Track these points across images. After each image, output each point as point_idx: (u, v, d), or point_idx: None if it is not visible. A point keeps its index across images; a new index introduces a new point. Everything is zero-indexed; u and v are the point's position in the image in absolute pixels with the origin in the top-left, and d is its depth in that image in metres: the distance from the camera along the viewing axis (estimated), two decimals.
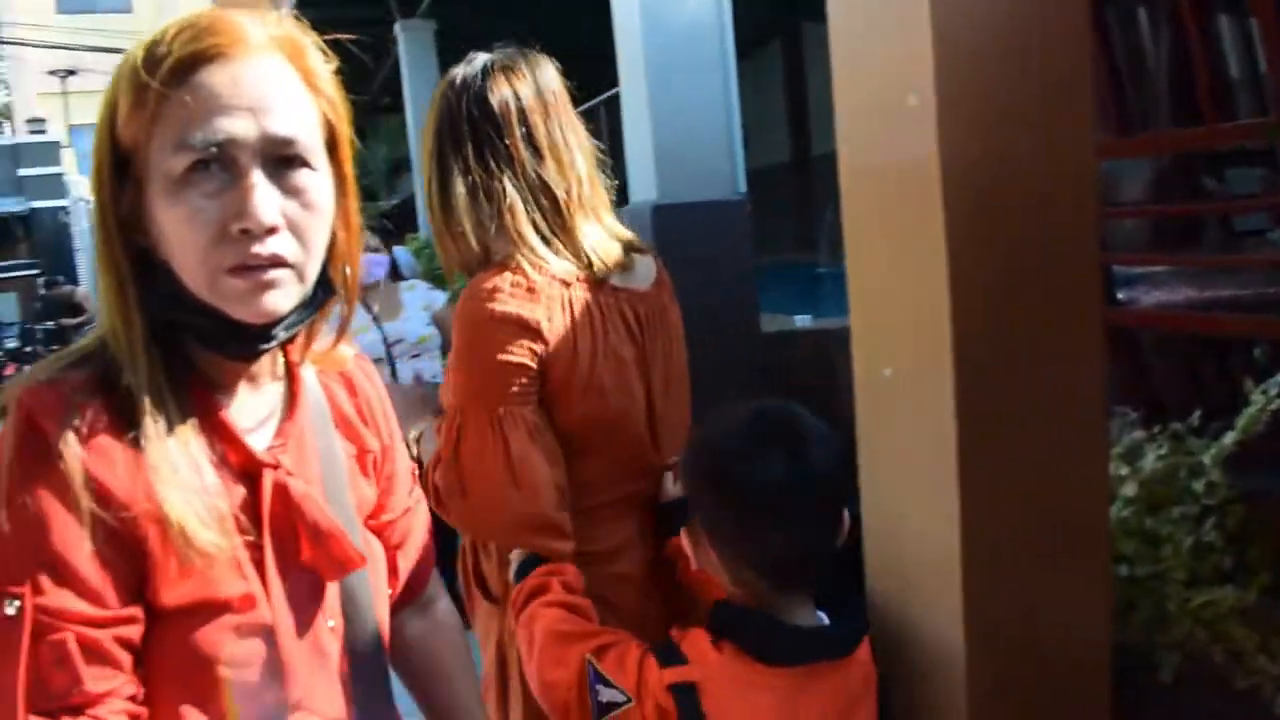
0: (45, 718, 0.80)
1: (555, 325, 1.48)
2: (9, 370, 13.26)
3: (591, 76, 4.76)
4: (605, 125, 5.32)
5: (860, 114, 1.44)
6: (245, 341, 0.92)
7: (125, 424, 0.87)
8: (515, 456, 1.46)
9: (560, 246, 1.54)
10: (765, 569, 1.26)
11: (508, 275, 1.49)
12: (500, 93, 1.55)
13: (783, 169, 10.61)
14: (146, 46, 0.87)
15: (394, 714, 1.09)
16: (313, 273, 0.92)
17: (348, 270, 0.99)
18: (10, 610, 0.81)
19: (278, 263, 0.87)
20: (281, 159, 0.88)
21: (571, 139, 1.58)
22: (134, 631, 0.86)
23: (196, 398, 0.92)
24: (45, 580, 0.82)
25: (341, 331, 1.05)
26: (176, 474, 0.86)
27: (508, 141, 1.53)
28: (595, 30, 4.59)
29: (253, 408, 0.97)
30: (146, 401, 0.87)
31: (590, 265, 1.54)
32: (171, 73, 0.85)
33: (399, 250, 6.86)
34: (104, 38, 22.50)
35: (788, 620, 1.26)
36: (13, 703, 0.80)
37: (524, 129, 1.54)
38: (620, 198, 4.76)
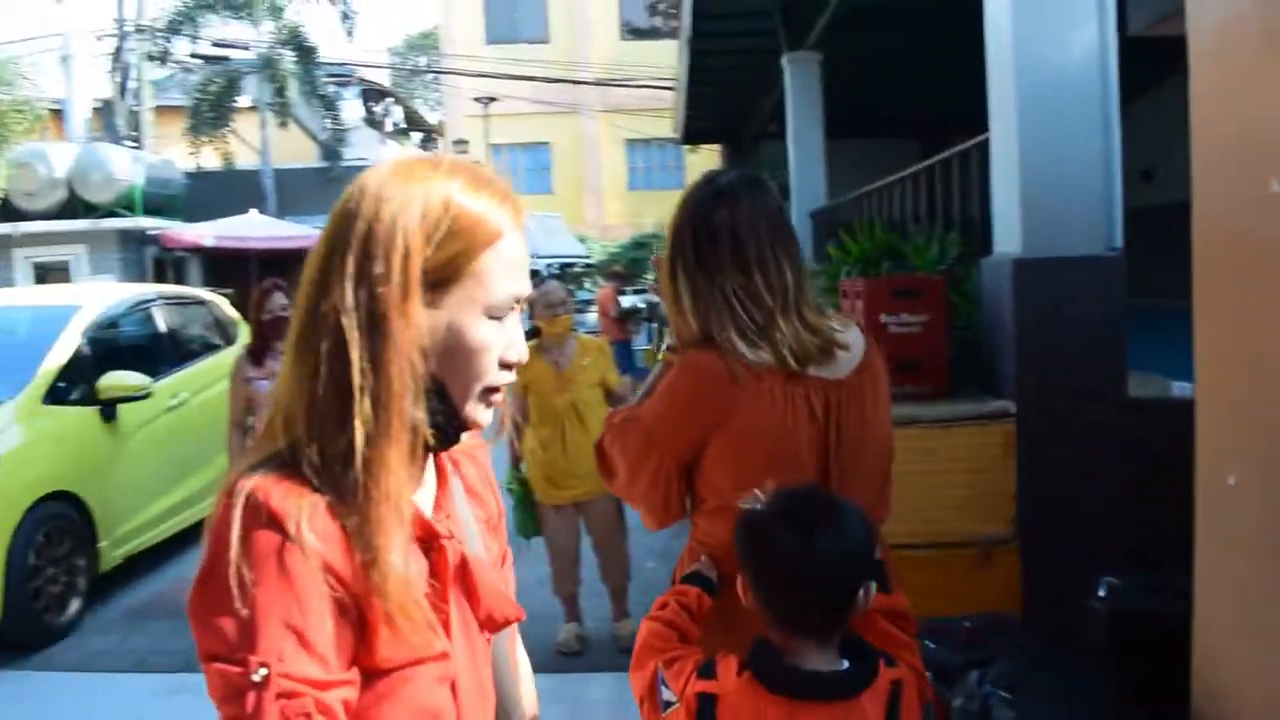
0: None
1: (743, 406, 1.87)
2: None
3: (976, 110, 4.66)
4: (976, 168, 5.17)
5: (1220, 195, 1.37)
6: (448, 443, 1.15)
7: (339, 512, 1.03)
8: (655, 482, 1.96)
9: (758, 344, 1.88)
10: (780, 621, 1.60)
11: (718, 360, 1.88)
12: (720, 218, 1.91)
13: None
14: (445, 202, 1.10)
15: None
16: None
17: None
18: (257, 678, 0.95)
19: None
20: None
21: (781, 256, 1.93)
22: (353, 694, 1.02)
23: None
24: (288, 649, 0.97)
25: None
26: (399, 549, 1.03)
27: (722, 260, 1.90)
28: (982, 61, 4.47)
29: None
30: (392, 492, 1.04)
31: (783, 361, 1.87)
32: (494, 235, 1.11)
33: None
34: (521, 67, 24.70)
35: (801, 662, 1.58)
36: None
37: (737, 251, 1.90)
38: (983, 247, 4.62)
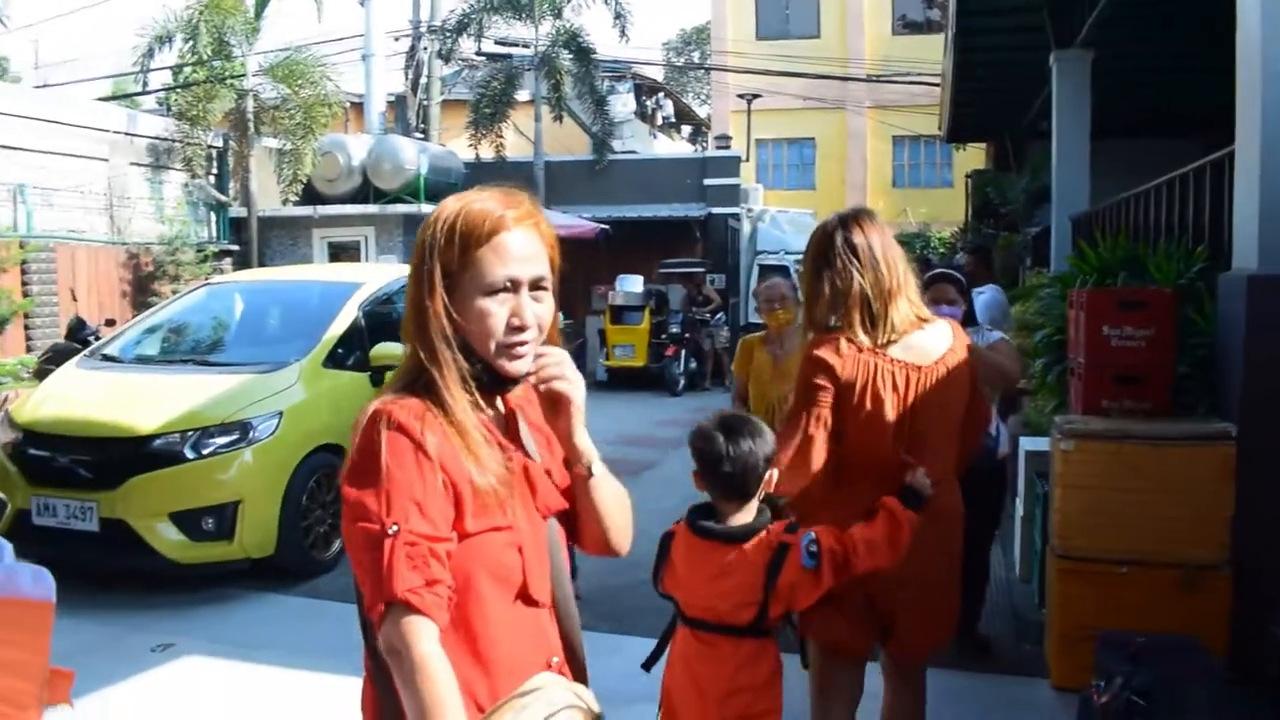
0: (412, 593, 1.46)
1: (846, 373, 2.72)
2: (669, 351, 15.45)
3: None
4: (1227, 180, 4.94)
5: None
6: (502, 385, 1.68)
7: (447, 424, 1.57)
8: (806, 437, 2.73)
9: (870, 328, 2.76)
10: (713, 491, 2.69)
11: (833, 341, 2.76)
12: (850, 235, 2.81)
13: None
14: (463, 217, 1.63)
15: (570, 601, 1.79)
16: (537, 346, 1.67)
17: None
18: (391, 531, 1.47)
19: (524, 344, 1.64)
20: (535, 286, 1.65)
21: (893, 256, 2.80)
22: (453, 548, 1.54)
23: (474, 411, 1.63)
24: (412, 515, 1.49)
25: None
26: (479, 453, 1.58)
27: (853, 264, 2.77)
28: None
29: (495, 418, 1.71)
30: (460, 412, 1.59)
31: (882, 344, 2.76)
32: (487, 235, 1.61)
33: (991, 291, 6.94)
34: (790, 62, 24.79)
35: (721, 519, 2.68)
36: (388, 580, 1.45)
37: (856, 256, 2.77)
38: (1226, 261, 4.45)
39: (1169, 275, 4.83)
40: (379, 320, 7.17)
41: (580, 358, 16.06)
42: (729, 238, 18.95)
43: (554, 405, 1.70)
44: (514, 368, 1.64)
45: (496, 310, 1.61)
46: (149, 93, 23.18)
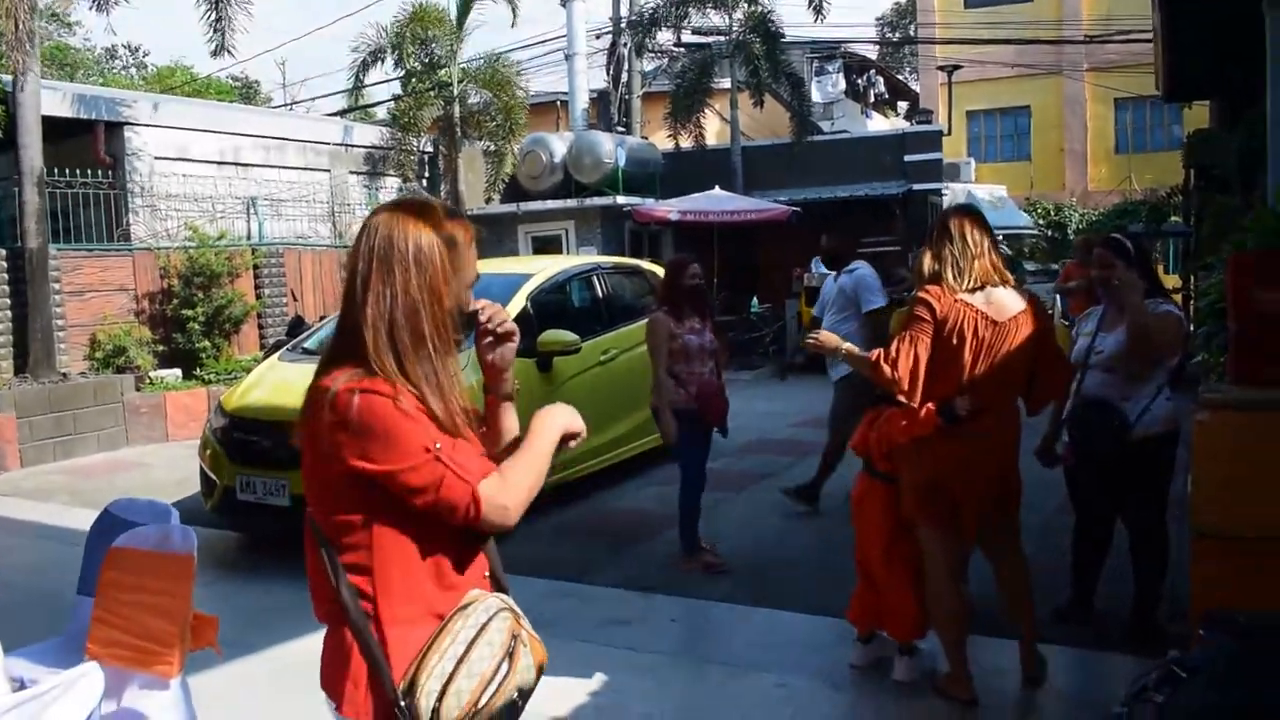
0: (484, 474, 1.88)
1: (942, 311, 3.70)
2: None
3: None
4: None
5: None
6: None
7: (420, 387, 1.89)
8: (909, 354, 3.69)
9: (961, 284, 3.75)
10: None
11: (933, 288, 3.78)
12: (951, 219, 3.88)
13: None
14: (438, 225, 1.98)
15: None
16: None
17: None
18: (437, 447, 1.83)
19: None
20: None
21: (983, 239, 3.83)
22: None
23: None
24: (438, 437, 1.85)
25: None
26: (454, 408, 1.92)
27: (951, 239, 3.83)
28: None
29: None
30: (443, 376, 1.93)
31: (968, 294, 3.75)
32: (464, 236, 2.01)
33: (861, 267, 7.20)
34: (1001, 30, 23.80)
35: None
36: (465, 476, 1.85)
37: (959, 236, 3.81)
38: None
39: None
40: (548, 309, 7.52)
41: (780, 341, 16.07)
42: (930, 214, 18.43)
43: (500, 342, 2.08)
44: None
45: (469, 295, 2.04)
46: (375, 105, 24.76)
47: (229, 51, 12.23)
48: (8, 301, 11.20)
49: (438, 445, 1.83)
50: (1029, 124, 27.77)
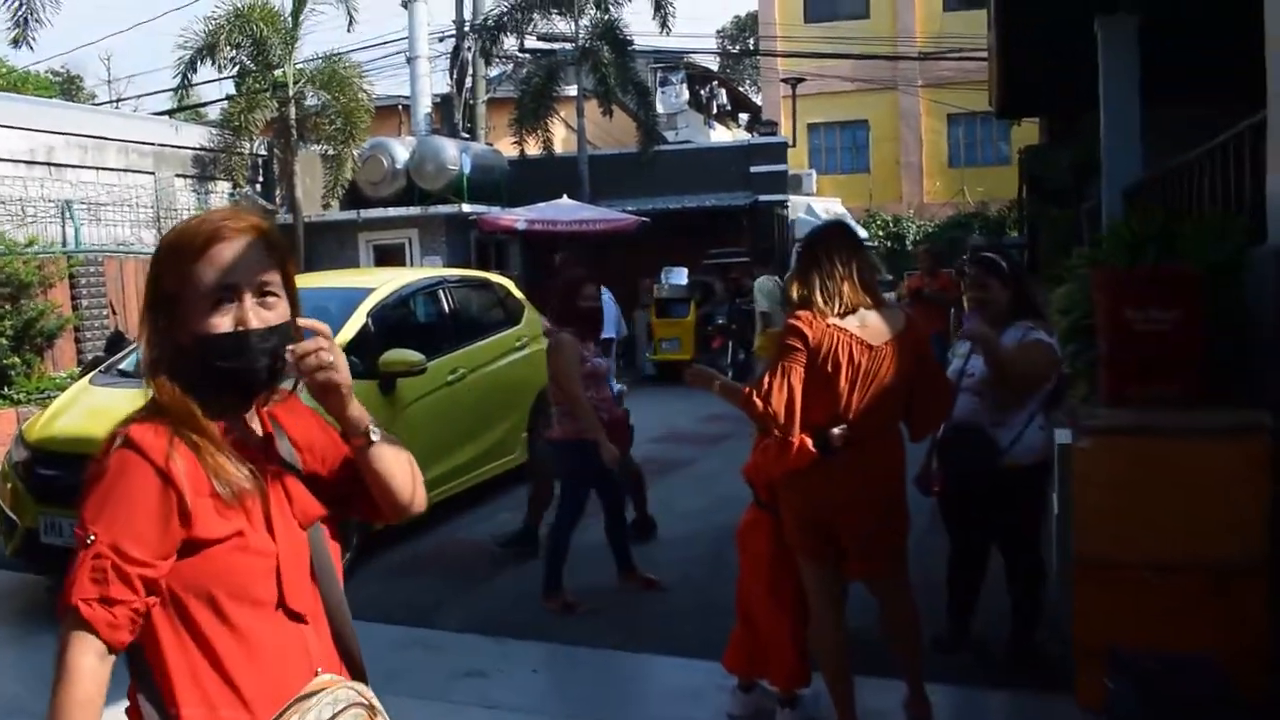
0: (85, 603, 1.47)
1: (815, 337, 3.50)
2: (715, 343, 15.14)
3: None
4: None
5: None
6: (246, 394, 1.69)
7: (189, 437, 1.58)
8: (781, 386, 3.47)
9: (831, 308, 3.54)
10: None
11: (803, 314, 3.57)
12: (817, 242, 3.75)
13: None
14: (178, 235, 1.68)
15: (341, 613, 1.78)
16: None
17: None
18: (89, 541, 1.49)
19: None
20: (261, 292, 1.66)
21: (851, 260, 3.62)
22: (153, 573, 1.52)
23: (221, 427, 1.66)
24: (116, 530, 1.50)
25: (296, 383, 1.73)
26: (219, 462, 1.59)
27: (818, 263, 3.64)
28: None
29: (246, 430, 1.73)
30: (200, 426, 1.60)
31: (840, 318, 3.55)
32: (201, 248, 1.63)
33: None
34: (838, 44, 24.31)
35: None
36: (68, 587, 1.48)
37: (826, 258, 3.62)
38: (1261, 233, 4.09)
39: (1201, 250, 4.46)
40: (391, 326, 7.05)
41: (628, 353, 15.86)
42: (776, 226, 18.59)
43: (324, 390, 1.69)
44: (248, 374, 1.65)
45: (219, 320, 1.61)
46: (205, 105, 23.50)
47: (29, 44, 11.25)
48: None
49: (90, 538, 1.50)
50: (867, 137, 28.44)
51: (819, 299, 3.54)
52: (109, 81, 37.49)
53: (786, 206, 18.94)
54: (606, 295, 6.44)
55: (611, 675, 4.65)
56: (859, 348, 3.50)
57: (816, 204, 20.83)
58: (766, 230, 18.34)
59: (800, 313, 3.56)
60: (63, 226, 13.31)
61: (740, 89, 39.20)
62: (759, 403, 3.46)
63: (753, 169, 18.67)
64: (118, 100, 33.15)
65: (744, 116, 37.26)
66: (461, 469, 7.33)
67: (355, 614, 5.02)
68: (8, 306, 11.24)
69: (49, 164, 13.57)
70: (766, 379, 3.50)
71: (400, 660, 4.74)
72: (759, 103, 34.72)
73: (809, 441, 3.49)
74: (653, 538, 6.64)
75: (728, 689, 4.14)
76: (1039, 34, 11.41)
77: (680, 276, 16.08)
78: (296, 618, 1.66)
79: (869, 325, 3.55)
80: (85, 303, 12.70)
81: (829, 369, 3.48)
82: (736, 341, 15.43)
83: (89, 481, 1.55)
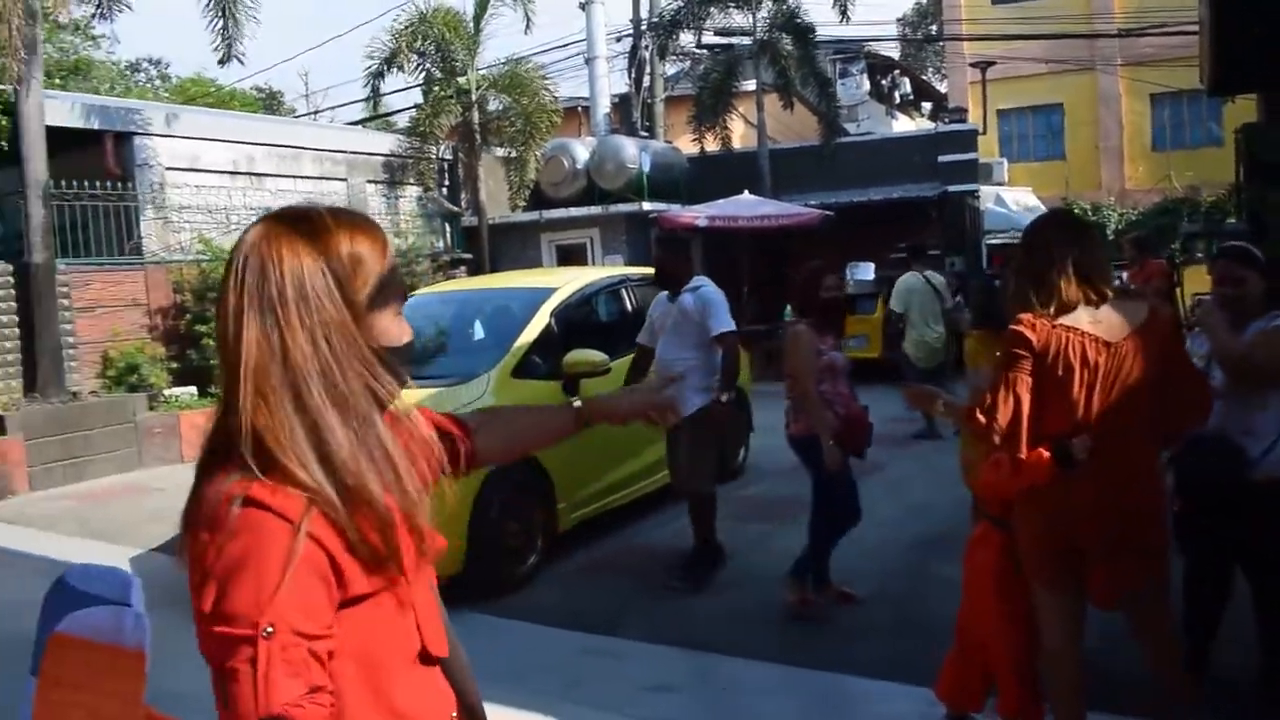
0: (295, 706, 1.22)
1: (1040, 340, 3.12)
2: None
3: None
4: None
5: None
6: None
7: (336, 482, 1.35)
8: (1007, 400, 3.14)
9: (1054, 306, 3.14)
10: None
11: (1025, 317, 3.16)
12: (1036, 232, 3.38)
13: None
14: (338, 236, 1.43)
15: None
16: None
17: None
18: (266, 633, 1.22)
19: None
20: None
21: (1075, 250, 3.18)
22: (334, 644, 1.30)
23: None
24: (289, 609, 1.25)
25: None
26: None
27: (1037, 256, 3.26)
28: None
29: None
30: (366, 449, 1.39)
31: (1069, 315, 3.14)
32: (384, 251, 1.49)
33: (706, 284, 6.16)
34: (1029, 25, 23.18)
35: None
36: (265, 693, 1.21)
37: (1045, 249, 3.23)
38: None
39: None
40: (574, 326, 7.00)
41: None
42: (967, 216, 17.82)
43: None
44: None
45: (398, 326, 1.49)
46: (394, 113, 24.40)
47: (238, 60, 11.90)
48: (15, 319, 10.81)
49: (269, 630, 1.23)
50: (1062, 121, 27.04)
51: (1039, 296, 3.17)
52: (307, 95, 39.44)
53: (978, 196, 18.12)
54: (710, 285, 6.13)
55: (805, 697, 4.40)
56: (1093, 346, 3.08)
57: (1006, 194, 19.89)
58: (957, 222, 17.59)
59: (1022, 316, 3.18)
60: None
61: (923, 77, 38.03)
62: (982, 419, 3.15)
63: (941, 158, 17.94)
64: (315, 112, 34.85)
65: (927, 106, 36.15)
66: (643, 472, 7.22)
67: (538, 617, 4.97)
68: (214, 309, 11.86)
69: (250, 173, 14.34)
70: (990, 392, 3.17)
71: (583, 668, 4.65)
72: (943, 90, 33.60)
73: (1045, 455, 3.10)
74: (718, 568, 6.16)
75: (934, 718, 3.85)
76: (1257, 1, 10.51)
77: (866, 272, 15.59)
78: (432, 662, 1.51)
79: (1103, 320, 3.12)
80: None
81: (1060, 373, 3.10)
82: None
83: (205, 561, 1.27)
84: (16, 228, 11.25)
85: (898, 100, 33.08)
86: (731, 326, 5.89)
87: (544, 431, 2.07)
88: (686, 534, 6.88)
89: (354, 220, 1.46)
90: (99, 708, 2.39)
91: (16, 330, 10.79)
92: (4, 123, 10.98)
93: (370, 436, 1.37)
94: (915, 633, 4.84)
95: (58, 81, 28.28)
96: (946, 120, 21.04)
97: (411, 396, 1.67)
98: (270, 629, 1.22)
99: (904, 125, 30.32)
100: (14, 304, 10.79)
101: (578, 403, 2.01)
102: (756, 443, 9.00)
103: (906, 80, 34.21)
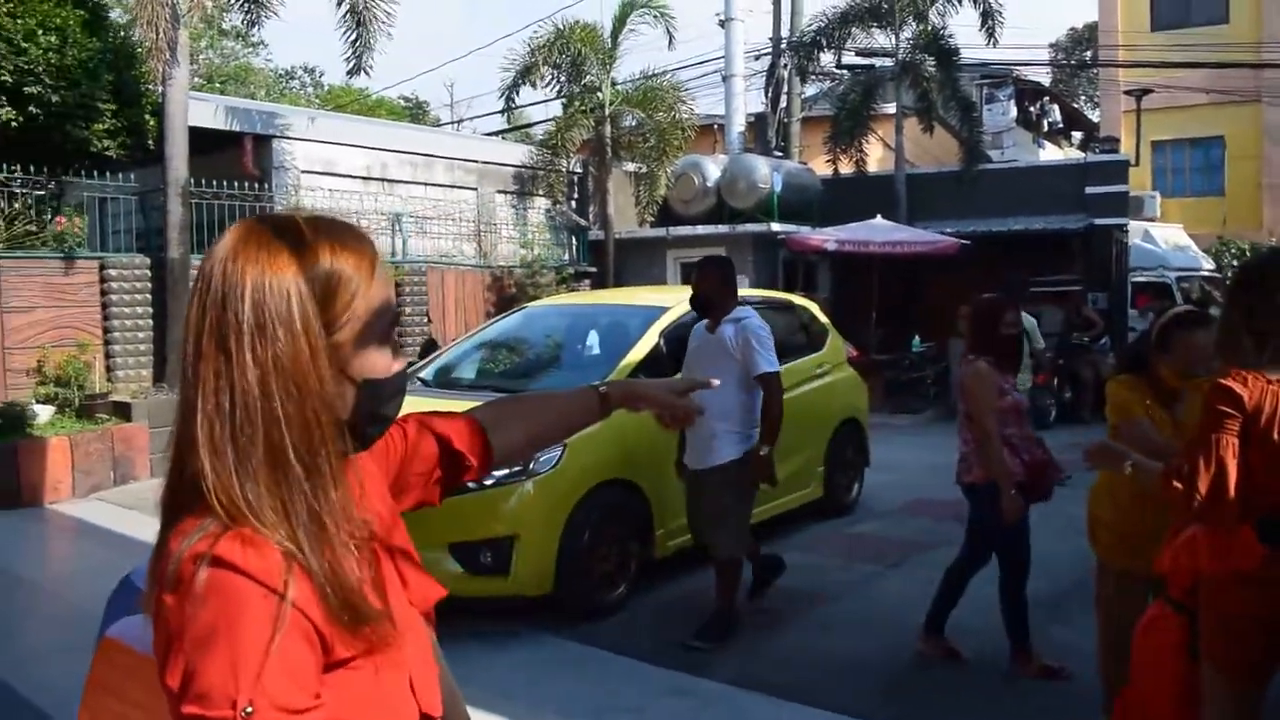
0: None
1: (1252, 399, 2.70)
2: (1040, 378, 13.87)
3: None
4: None
5: None
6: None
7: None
8: (1210, 464, 2.71)
9: (1265, 356, 2.76)
10: None
11: (1237, 372, 2.76)
12: (1251, 271, 3.03)
13: None
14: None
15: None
16: None
17: None
18: (246, 713, 1.05)
19: None
20: None
21: None
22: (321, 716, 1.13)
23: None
24: (272, 682, 1.08)
25: None
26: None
27: (1252, 299, 2.85)
28: None
29: None
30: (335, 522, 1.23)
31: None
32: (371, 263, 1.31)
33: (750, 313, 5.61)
34: (1190, 53, 22.05)
35: None
36: None
37: (1263, 292, 2.82)
38: None
39: None
40: (684, 347, 6.75)
41: (943, 383, 14.92)
42: (1113, 252, 16.94)
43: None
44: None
45: (386, 356, 1.29)
46: (530, 125, 24.67)
47: (365, 72, 12.05)
48: (150, 310, 11.18)
49: (247, 710, 1.05)
50: (1222, 155, 25.60)
51: (1251, 348, 2.80)
52: (451, 105, 40.38)
53: (1126, 231, 17.23)
54: (754, 317, 5.59)
55: None
56: None
57: (1156, 230, 18.89)
58: (1103, 257, 16.75)
59: (1234, 370, 2.79)
60: (392, 238, 14.20)
61: (1074, 104, 36.70)
62: (1179, 486, 2.76)
63: (1088, 190, 17.11)
64: (458, 122, 35.60)
65: (1077, 135, 34.81)
66: (759, 499, 6.91)
67: (625, 649, 4.72)
68: None
69: (383, 179, 14.61)
70: (1188, 455, 2.79)
71: (662, 709, 4.39)
72: (1095, 119, 32.29)
73: (1255, 533, 2.71)
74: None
75: None
76: None
77: None
78: None
79: None
80: (408, 310, 13.48)
81: (1277, 438, 2.69)
82: (1063, 378, 14.12)
83: (170, 628, 1.11)
84: (158, 224, 11.63)
85: (1046, 128, 31.96)
86: (776, 367, 5.33)
87: (568, 420, 1.91)
88: (792, 568, 6.56)
89: (337, 232, 1.26)
90: (128, 717, 2.26)
91: (150, 322, 11.16)
92: (152, 123, 11.36)
93: (320, 488, 1.18)
94: (1028, 698, 4.45)
95: (217, 86, 29.57)
96: (1097, 150, 20.10)
97: None
98: (249, 708, 1.05)
99: (1051, 154, 29.22)
100: (149, 296, 11.17)
101: (603, 386, 1.87)
102: (871, 478, 8.60)
103: (1056, 107, 33.05)
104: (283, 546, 1.12)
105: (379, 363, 1.27)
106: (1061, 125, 33.67)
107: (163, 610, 1.11)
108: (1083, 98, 40.57)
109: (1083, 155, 23.13)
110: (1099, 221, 16.76)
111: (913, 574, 6.49)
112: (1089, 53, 38.46)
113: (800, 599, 5.98)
